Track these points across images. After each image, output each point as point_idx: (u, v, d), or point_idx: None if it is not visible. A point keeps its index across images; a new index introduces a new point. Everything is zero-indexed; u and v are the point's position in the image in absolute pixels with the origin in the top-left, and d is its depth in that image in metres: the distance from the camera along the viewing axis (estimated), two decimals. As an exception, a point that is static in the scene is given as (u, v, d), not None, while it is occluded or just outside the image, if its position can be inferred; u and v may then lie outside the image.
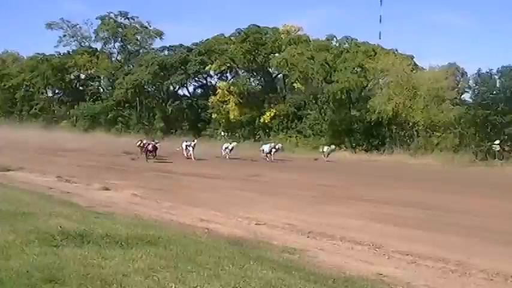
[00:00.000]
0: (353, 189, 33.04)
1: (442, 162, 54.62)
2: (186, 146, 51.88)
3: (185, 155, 51.53)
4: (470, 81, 69.04)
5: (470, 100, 67.36)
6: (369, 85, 71.21)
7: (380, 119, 65.62)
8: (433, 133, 63.92)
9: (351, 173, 43.17)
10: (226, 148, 55.27)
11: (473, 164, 54.11)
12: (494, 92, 63.31)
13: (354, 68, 71.76)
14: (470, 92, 68.76)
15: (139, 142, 50.88)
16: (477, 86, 66.28)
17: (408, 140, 65.15)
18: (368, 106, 66.79)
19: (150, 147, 47.67)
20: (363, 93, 71.00)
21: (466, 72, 71.98)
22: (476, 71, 67.03)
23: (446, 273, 13.42)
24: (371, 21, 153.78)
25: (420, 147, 61.95)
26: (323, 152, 58.20)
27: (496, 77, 64.47)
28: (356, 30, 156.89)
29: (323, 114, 71.93)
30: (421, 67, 72.26)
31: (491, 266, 13.74)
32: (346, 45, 77.84)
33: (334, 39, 79.90)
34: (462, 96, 69.34)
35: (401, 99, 64.90)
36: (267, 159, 53.18)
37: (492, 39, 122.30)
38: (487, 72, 65.17)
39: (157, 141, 50.97)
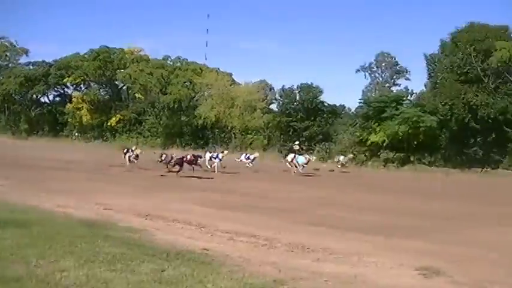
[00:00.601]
0: (185, 179, 33.09)
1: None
2: (211, 157, 41.00)
3: (209, 166, 40.02)
4: (277, 95, 70.69)
5: (277, 109, 68.84)
6: (196, 96, 71.65)
7: (205, 124, 66.38)
8: (247, 135, 65.11)
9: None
10: (247, 158, 44.01)
11: (279, 159, 55.14)
12: (295, 104, 64.89)
13: (184, 83, 72.62)
14: (276, 103, 70.36)
15: (163, 156, 38.22)
16: (282, 99, 67.79)
17: (227, 141, 66.03)
18: (195, 113, 67.32)
19: (189, 157, 36.87)
20: (191, 103, 71.17)
21: (273, 88, 74.13)
22: (281, 87, 68.67)
23: (257, 246, 13.65)
24: (199, 45, 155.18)
25: (237, 146, 62.85)
26: (338, 161, 48.67)
27: (296, 91, 66.05)
28: (187, 52, 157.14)
29: (159, 119, 71.81)
30: (238, 83, 73.71)
31: (293, 240, 14.09)
32: (179, 64, 78.43)
33: (169, 58, 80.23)
34: (270, 106, 70.97)
35: (222, 108, 65.93)
36: (298, 169, 41.19)
37: (293, 62, 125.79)
38: (289, 88, 66.79)
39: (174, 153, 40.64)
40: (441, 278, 10.87)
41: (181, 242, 13.32)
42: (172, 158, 37.23)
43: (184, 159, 36.41)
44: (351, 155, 49.54)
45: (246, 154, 46.00)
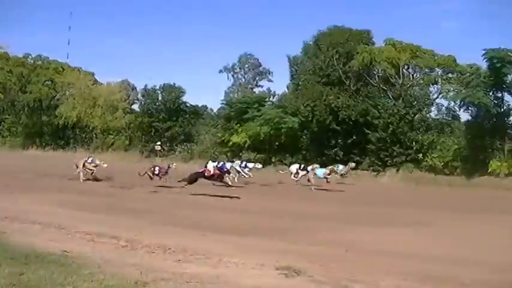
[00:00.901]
0: (44, 180, 32.24)
1: (116, 159, 54.80)
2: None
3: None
4: (139, 95, 70.15)
5: (139, 109, 68.19)
6: (57, 95, 69.97)
7: (66, 124, 65.06)
8: (108, 135, 64.34)
9: (43, 165, 41.70)
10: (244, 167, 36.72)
11: (140, 160, 54.52)
12: (157, 104, 64.42)
13: (45, 81, 70.42)
14: (138, 103, 69.79)
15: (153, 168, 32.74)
16: (144, 99, 67.18)
17: (88, 141, 65.07)
18: (56, 113, 65.81)
19: (212, 171, 28.84)
20: (52, 102, 69.36)
21: (135, 87, 73.56)
22: (143, 87, 67.98)
23: (118, 248, 13.59)
24: (61, 43, 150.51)
25: (98, 147, 62.04)
26: (336, 172, 36.86)
27: (159, 92, 65.67)
28: (48, 50, 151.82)
29: (19, 119, 69.61)
30: (101, 82, 72.52)
31: (154, 242, 14.10)
32: (40, 62, 75.79)
33: (30, 56, 77.52)
34: (132, 106, 70.40)
35: (83, 107, 64.90)
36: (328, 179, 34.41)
37: (156, 61, 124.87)
38: (152, 88, 66.21)
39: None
40: (302, 278, 11.21)
41: (40, 244, 13.05)
42: (169, 168, 32.11)
43: (204, 172, 29.25)
44: (353, 164, 41.35)
45: (242, 162, 38.46)
